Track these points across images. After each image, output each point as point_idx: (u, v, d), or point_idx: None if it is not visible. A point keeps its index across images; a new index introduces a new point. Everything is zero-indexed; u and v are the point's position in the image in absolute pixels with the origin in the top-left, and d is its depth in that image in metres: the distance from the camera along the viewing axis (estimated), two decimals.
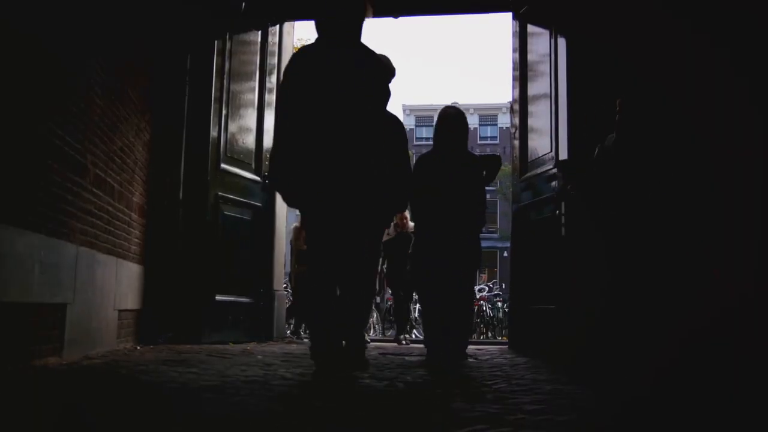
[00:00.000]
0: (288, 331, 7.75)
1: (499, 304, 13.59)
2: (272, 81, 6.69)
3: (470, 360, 4.81)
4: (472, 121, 36.30)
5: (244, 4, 6.26)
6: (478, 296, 13.45)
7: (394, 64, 4.49)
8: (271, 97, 6.64)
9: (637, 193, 4.26)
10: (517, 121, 6.24)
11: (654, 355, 4.21)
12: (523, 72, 6.21)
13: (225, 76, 6.05)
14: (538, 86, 5.88)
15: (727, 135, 3.95)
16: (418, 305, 13.18)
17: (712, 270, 3.74)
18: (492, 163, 4.93)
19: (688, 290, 4.23)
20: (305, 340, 5.63)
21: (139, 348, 5.11)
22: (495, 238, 29.69)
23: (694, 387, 3.37)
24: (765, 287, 3.58)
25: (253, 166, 6.40)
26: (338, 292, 3.21)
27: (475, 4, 7.17)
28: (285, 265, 7.39)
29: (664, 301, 4.41)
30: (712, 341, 3.93)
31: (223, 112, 6.02)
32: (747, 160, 3.68)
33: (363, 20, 3.05)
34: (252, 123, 6.46)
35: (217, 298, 5.85)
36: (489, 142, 35.45)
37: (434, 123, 5.03)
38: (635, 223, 4.40)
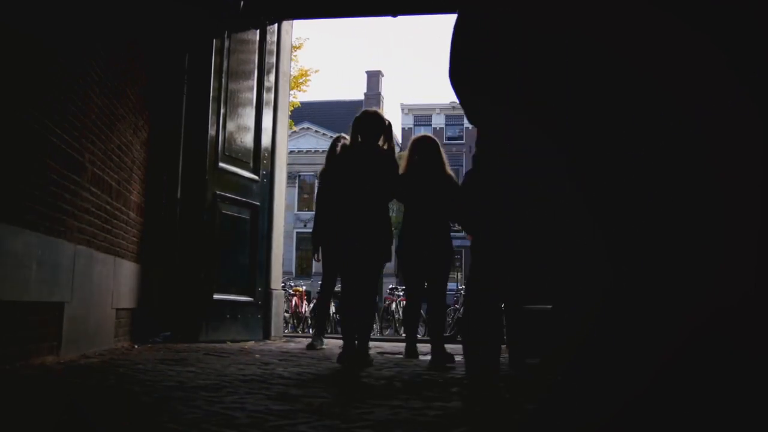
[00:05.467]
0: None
1: None
2: (270, 80, 6.68)
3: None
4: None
5: (242, 3, 6.25)
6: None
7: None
8: (269, 96, 6.64)
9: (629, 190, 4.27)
10: None
11: (654, 355, 4.20)
12: None
13: (223, 75, 6.05)
14: None
15: (727, 135, 3.94)
16: None
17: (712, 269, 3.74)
18: None
19: (688, 289, 4.22)
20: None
21: (136, 347, 5.11)
22: None
23: (694, 387, 3.37)
24: (765, 287, 3.58)
25: (251, 165, 6.40)
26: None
27: None
28: (283, 264, 7.37)
29: (665, 300, 4.40)
30: (712, 341, 3.93)
31: (222, 111, 6.02)
32: (747, 161, 3.68)
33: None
34: (250, 122, 6.45)
35: (215, 296, 5.85)
36: None
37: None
38: (635, 220, 4.40)
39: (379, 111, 4.80)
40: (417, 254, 4.82)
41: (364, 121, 4.54)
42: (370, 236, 4.39)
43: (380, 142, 4.52)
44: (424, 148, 5.05)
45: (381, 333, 11.98)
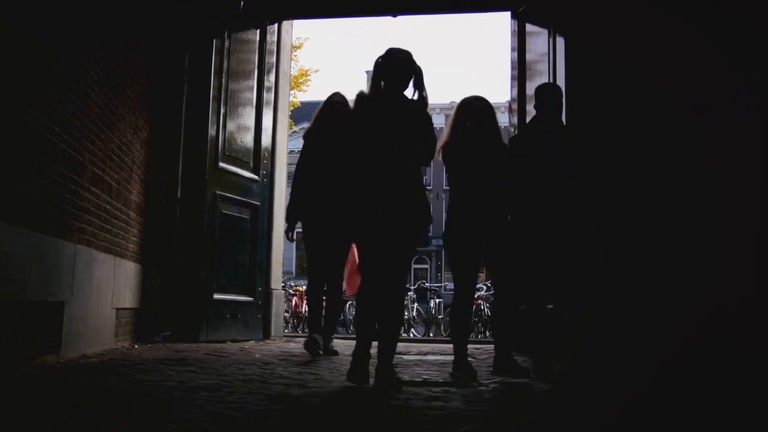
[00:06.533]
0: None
1: None
2: (270, 80, 6.68)
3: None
4: None
5: (242, 3, 6.25)
6: (476, 295, 13.41)
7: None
8: (269, 96, 6.62)
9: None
10: (515, 120, 6.23)
11: (654, 355, 4.20)
12: (521, 71, 6.19)
13: (223, 74, 6.04)
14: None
15: (727, 134, 3.94)
16: (415, 304, 13.19)
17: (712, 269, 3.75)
18: None
19: (688, 289, 4.23)
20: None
21: (136, 347, 5.10)
22: None
23: (694, 387, 3.38)
24: (765, 287, 3.59)
25: (252, 164, 6.39)
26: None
27: (474, 3, 7.15)
28: (283, 264, 7.36)
29: (665, 300, 4.41)
30: (712, 341, 3.93)
31: (222, 110, 6.01)
32: (747, 159, 3.68)
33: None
34: (250, 122, 6.44)
35: (215, 296, 5.84)
36: None
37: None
38: (635, 221, 4.40)
39: (409, 52, 3.68)
40: (470, 241, 3.91)
41: (389, 64, 3.57)
42: (403, 213, 3.41)
43: (408, 92, 3.59)
44: (477, 112, 4.08)
45: None
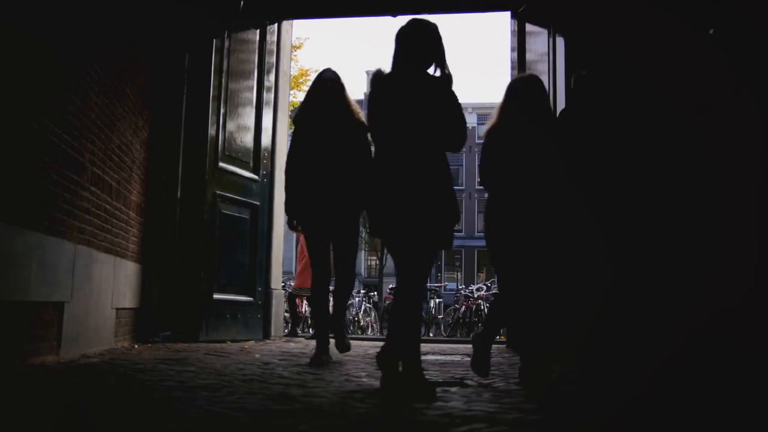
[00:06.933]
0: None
1: None
2: (270, 80, 6.68)
3: (468, 359, 4.80)
4: (471, 120, 36.32)
5: (242, 2, 6.25)
6: (476, 295, 13.41)
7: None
8: (269, 96, 6.63)
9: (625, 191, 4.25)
10: None
11: (654, 355, 4.21)
12: (521, 71, 6.20)
13: (223, 74, 6.05)
14: None
15: (727, 133, 3.95)
16: None
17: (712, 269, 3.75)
18: None
19: (688, 289, 4.24)
20: None
21: (136, 346, 5.11)
22: None
23: (694, 387, 3.38)
24: (765, 287, 3.59)
25: (251, 164, 6.40)
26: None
27: (474, 3, 7.16)
28: (283, 263, 7.36)
29: (664, 300, 4.41)
30: (712, 341, 3.94)
31: (222, 110, 6.01)
32: (747, 159, 3.68)
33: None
34: (250, 122, 6.45)
35: (215, 296, 5.84)
36: None
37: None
38: (634, 219, 4.40)
39: (435, 24, 3.32)
40: (513, 237, 3.62)
41: (414, 36, 3.23)
42: (426, 208, 3.06)
43: (431, 69, 3.24)
44: (525, 91, 3.69)
45: (381, 333, 11.98)
